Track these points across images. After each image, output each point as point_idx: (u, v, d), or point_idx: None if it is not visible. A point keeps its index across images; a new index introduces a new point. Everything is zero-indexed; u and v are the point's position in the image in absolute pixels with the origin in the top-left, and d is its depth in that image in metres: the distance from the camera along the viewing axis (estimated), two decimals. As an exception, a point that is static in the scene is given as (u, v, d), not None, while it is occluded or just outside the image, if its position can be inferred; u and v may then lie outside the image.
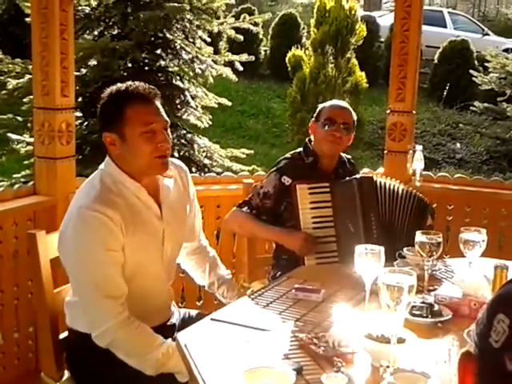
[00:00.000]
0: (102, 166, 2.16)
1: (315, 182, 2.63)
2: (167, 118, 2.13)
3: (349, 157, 2.97)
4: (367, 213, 2.61)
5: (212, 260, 2.54)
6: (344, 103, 2.92)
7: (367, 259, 1.85)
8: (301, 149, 2.85)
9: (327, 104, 2.86)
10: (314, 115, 2.85)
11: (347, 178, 2.68)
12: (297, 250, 2.62)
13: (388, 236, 2.60)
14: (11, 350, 3.10)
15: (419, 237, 2.09)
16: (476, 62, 11.30)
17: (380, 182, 2.68)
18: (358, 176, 2.72)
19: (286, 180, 2.69)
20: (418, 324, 1.89)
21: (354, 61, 8.72)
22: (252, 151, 6.39)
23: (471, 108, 10.13)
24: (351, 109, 2.87)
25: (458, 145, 9.92)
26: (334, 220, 2.61)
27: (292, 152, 2.87)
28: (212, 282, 2.50)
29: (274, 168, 2.79)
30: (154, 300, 2.19)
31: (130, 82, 2.11)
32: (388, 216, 2.64)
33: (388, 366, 1.55)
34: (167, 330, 2.19)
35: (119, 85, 2.11)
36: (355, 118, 2.86)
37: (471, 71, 9.85)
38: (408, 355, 1.61)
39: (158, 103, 2.11)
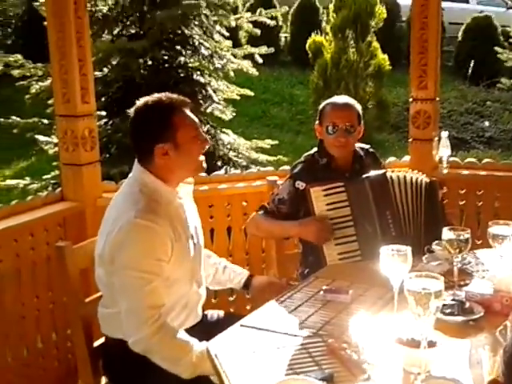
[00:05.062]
0: (133, 176, 2.20)
1: (330, 182, 2.59)
2: None
3: (367, 147, 2.90)
4: (382, 212, 2.57)
5: (207, 252, 2.54)
6: (344, 99, 2.81)
7: (393, 260, 1.83)
8: (315, 149, 2.82)
9: (328, 105, 2.77)
10: (318, 116, 2.79)
11: (360, 178, 2.62)
12: (314, 241, 2.61)
13: (409, 231, 2.58)
14: (50, 353, 3.17)
15: (447, 233, 2.06)
16: (501, 38, 11.08)
17: (394, 178, 2.62)
18: (370, 175, 2.64)
19: (300, 185, 2.66)
20: (449, 323, 1.87)
21: (376, 44, 8.64)
22: (277, 141, 6.36)
23: (498, 85, 9.94)
24: (353, 102, 2.78)
25: (487, 123, 9.75)
26: (353, 219, 2.58)
27: (306, 154, 2.83)
28: (216, 269, 2.52)
29: (289, 174, 2.79)
30: (186, 306, 2.22)
31: (160, 95, 2.18)
32: (405, 210, 2.60)
33: (419, 373, 1.54)
34: (199, 332, 2.22)
35: (153, 98, 2.17)
36: (359, 109, 2.78)
37: (496, 48, 9.67)
38: (439, 358, 1.60)
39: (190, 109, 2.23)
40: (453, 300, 1.98)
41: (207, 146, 2.22)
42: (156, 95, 2.19)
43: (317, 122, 2.80)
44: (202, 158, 2.22)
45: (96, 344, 2.31)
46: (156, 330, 2.01)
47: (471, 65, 10.92)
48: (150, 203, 2.08)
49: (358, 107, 2.78)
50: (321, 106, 2.81)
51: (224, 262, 2.58)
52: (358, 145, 2.85)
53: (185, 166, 2.17)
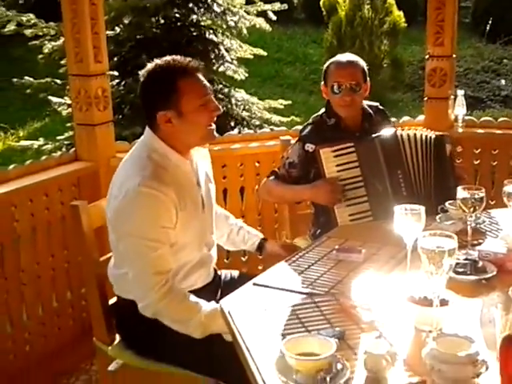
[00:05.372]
0: (143, 140, 2.17)
1: (340, 143, 2.56)
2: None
3: (376, 104, 2.87)
4: (393, 171, 2.55)
5: (223, 214, 2.56)
6: (348, 57, 2.75)
7: (407, 219, 1.82)
8: (323, 110, 2.79)
9: (331, 64, 2.73)
10: (323, 76, 2.76)
11: (370, 137, 2.59)
12: (325, 203, 2.61)
13: (420, 190, 2.57)
14: (65, 312, 3.23)
15: (461, 193, 2.05)
16: (521, -8, 10.80)
17: (405, 136, 2.59)
18: (380, 134, 2.60)
19: (310, 147, 2.64)
20: (462, 282, 1.87)
21: (391, 0, 8.47)
22: (290, 101, 6.30)
23: (516, 42, 9.74)
24: (357, 59, 2.74)
25: (503, 81, 9.56)
26: (363, 179, 2.56)
27: (315, 115, 2.81)
28: (230, 230, 2.53)
29: (298, 137, 2.77)
30: (194, 266, 2.22)
31: (170, 58, 2.11)
32: (416, 168, 2.58)
33: (431, 331, 1.54)
34: (210, 292, 2.24)
35: (162, 62, 2.10)
36: (364, 65, 2.73)
37: (515, 3, 9.45)
38: (451, 317, 1.60)
39: (201, 74, 2.13)
40: (466, 259, 1.98)
41: (216, 116, 2.12)
42: (167, 58, 2.11)
43: (322, 82, 2.77)
44: (212, 126, 2.13)
45: (110, 302, 2.34)
46: (163, 294, 2.03)
47: (489, 21, 10.68)
48: (156, 170, 2.05)
49: (363, 64, 2.74)
50: (325, 66, 2.78)
51: (240, 223, 2.58)
52: (367, 102, 2.82)
53: (191, 134, 2.10)
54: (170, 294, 2.04)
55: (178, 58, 2.11)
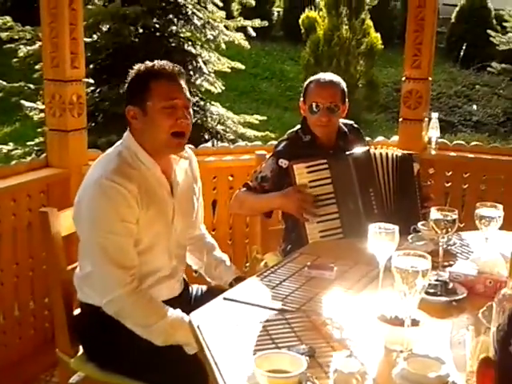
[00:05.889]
0: (120, 141, 2.20)
1: (313, 159, 2.55)
2: (190, 97, 2.18)
3: (351, 122, 2.88)
4: (366, 189, 2.56)
5: (210, 244, 2.54)
6: (329, 76, 2.74)
7: (381, 238, 1.82)
8: (299, 126, 2.78)
9: (311, 82, 2.73)
10: (303, 92, 2.76)
11: (343, 154, 2.59)
12: (294, 213, 2.57)
13: (390, 209, 2.57)
14: (27, 321, 3.14)
15: (434, 214, 2.05)
16: (494, 21, 11.05)
17: (377, 155, 2.60)
18: (353, 152, 2.61)
19: (284, 163, 2.63)
20: (432, 303, 1.86)
21: (369, 22, 8.60)
22: (265, 117, 6.32)
23: (488, 69, 9.91)
24: (338, 80, 2.74)
25: (475, 107, 9.76)
26: (336, 196, 2.55)
27: (290, 131, 2.81)
28: (209, 263, 2.49)
29: (272, 152, 2.77)
30: (162, 276, 2.19)
31: (157, 61, 2.17)
32: (387, 187, 2.59)
33: (402, 351, 1.53)
34: (176, 304, 2.20)
35: (147, 62, 2.17)
36: (344, 86, 2.74)
37: (489, 31, 9.63)
38: (422, 338, 1.60)
39: (183, 82, 2.17)
40: (436, 280, 1.97)
41: (184, 125, 2.11)
42: (155, 61, 2.17)
43: (301, 98, 2.77)
44: (180, 138, 2.13)
45: (76, 313, 2.29)
46: (128, 292, 2.02)
47: (463, 47, 10.88)
48: (121, 165, 2.08)
49: (343, 85, 2.75)
50: (306, 83, 2.78)
51: (223, 257, 2.52)
52: (343, 121, 2.83)
53: (153, 136, 2.12)
54: (137, 293, 2.03)
55: (163, 62, 2.18)
